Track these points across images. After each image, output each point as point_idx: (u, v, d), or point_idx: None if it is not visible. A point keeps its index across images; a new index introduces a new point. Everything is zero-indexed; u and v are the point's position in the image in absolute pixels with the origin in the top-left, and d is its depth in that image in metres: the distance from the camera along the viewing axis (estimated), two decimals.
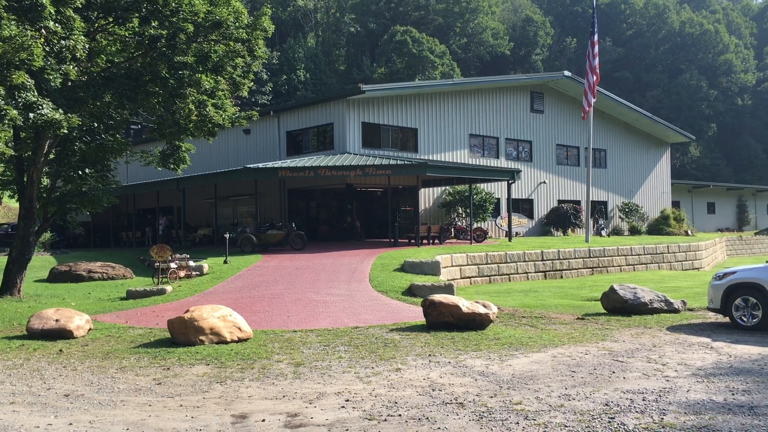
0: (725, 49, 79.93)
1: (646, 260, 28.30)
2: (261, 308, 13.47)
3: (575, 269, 25.27)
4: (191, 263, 18.86)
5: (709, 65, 78.90)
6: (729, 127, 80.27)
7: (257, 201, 26.24)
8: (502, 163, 34.71)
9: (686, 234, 40.39)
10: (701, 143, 74.55)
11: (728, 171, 76.07)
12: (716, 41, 79.63)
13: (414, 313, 12.74)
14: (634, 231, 39.99)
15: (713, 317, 12.65)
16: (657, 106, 71.26)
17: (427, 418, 6.07)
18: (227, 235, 21.49)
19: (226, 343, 10.03)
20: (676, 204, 46.62)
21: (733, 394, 6.87)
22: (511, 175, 28.49)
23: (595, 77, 30.03)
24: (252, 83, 19.68)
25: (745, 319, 11.46)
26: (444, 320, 11.18)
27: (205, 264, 19.37)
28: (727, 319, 11.95)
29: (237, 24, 16.45)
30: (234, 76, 17.54)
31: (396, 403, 6.65)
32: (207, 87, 16.97)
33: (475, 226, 29.87)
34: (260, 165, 25.24)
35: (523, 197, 36.07)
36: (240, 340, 10.19)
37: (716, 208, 53.74)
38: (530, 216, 36.44)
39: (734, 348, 9.59)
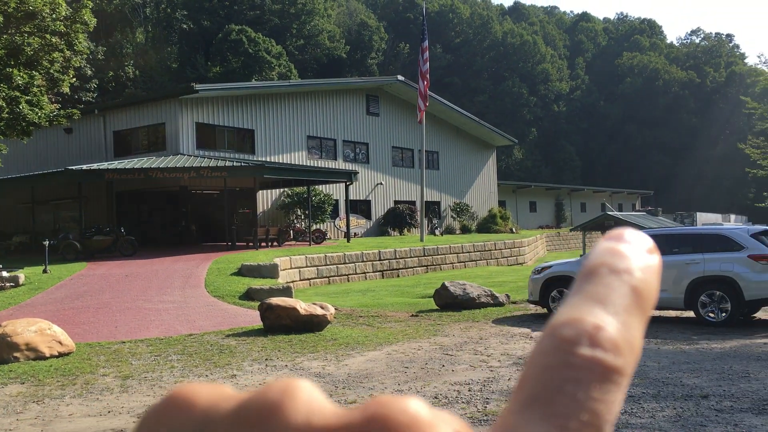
0: (542, 59, 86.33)
1: (476, 257, 29.89)
2: (85, 319, 12.64)
3: (411, 268, 26.14)
4: (4, 273, 17.29)
5: (529, 74, 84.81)
6: (547, 132, 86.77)
7: (81, 205, 24.57)
8: (340, 164, 35.12)
9: (511, 231, 43.14)
10: (524, 146, 79.96)
11: (547, 172, 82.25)
12: (535, 51, 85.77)
13: (251, 318, 12.56)
14: (465, 230, 42.06)
15: (534, 309, 13.63)
16: (484, 110, 75.48)
17: None
18: (47, 242, 19.91)
19: (45, 358, 9.31)
20: (502, 203, 49.58)
21: None
22: (349, 177, 28.91)
23: (426, 82, 31.21)
24: (74, 79, 18.45)
25: None
26: (282, 323, 11.12)
27: (21, 274, 17.82)
28: (545, 310, 12.93)
29: (54, 16, 15.34)
30: (51, 71, 16.34)
31: None
32: (20, 82, 15.65)
33: (314, 227, 29.97)
34: (84, 167, 23.66)
35: (361, 198, 36.73)
36: (61, 355, 9.50)
37: (537, 206, 57.85)
38: (368, 217, 37.19)
39: None
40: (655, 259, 0.36)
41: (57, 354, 9.46)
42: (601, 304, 0.32)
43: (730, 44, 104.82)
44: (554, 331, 0.32)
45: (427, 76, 31.23)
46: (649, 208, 64.27)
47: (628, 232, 0.37)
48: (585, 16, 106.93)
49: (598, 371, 0.30)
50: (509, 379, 7.49)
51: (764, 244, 11.53)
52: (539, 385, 0.30)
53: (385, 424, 0.28)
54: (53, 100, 18.34)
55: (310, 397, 0.30)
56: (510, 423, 0.30)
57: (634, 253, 0.35)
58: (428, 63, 31.49)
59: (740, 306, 11.36)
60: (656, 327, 11.53)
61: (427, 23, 33.74)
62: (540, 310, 13.31)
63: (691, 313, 12.01)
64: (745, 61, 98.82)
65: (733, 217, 62.61)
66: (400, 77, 38.96)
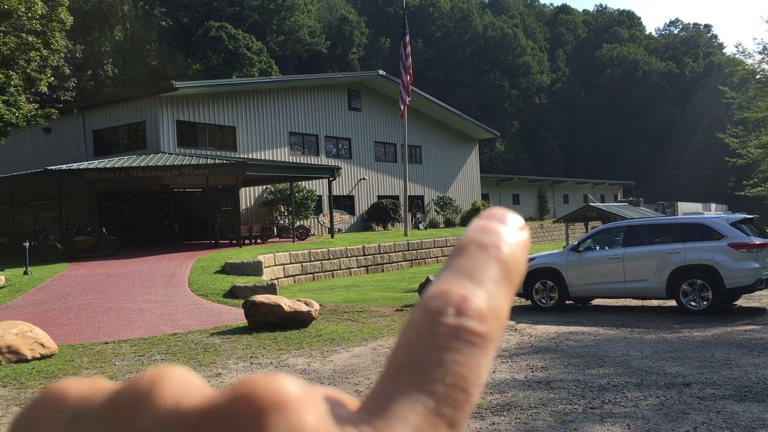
0: (523, 51, 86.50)
1: None
2: (68, 321, 12.53)
3: (396, 262, 26.15)
4: None
5: (510, 66, 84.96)
6: (529, 124, 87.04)
7: (62, 205, 24.33)
8: (323, 160, 35.03)
9: None
10: (506, 139, 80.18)
11: (530, 165, 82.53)
12: (515, 44, 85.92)
13: (236, 316, 12.52)
14: (449, 223, 42.14)
15: (518, 301, 13.69)
16: (466, 104, 75.56)
17: None
18: (27, 244, 19.70)
19: (27, 361, 9.23)
20: (485, 196, 49.73)
21: (532, 372, 7.48)
22: (332, 173, 28.85)
23: (408, 77, 31.12)
24: (51, 78, 18.25)
25: (544, 301, 12.53)
26: (266, 320, 11.09)
27: (2, 276, 17.63)
28: (529, 302, 13.00)
29: (30, 14, 15.13)
30: (28, 70, 16.15)
31: None
32: None
33: (297, 224, 29.89)
34: (64, 167, 23.42)
35: (345, 194, 36.68)
36: (43, 357, 9.42)
37: (520, 199, 58.06)
38: (351, 212, 37.15)
39: (535, 329, 10.45)
40: (523, 235, 0.37)
41: (39, 356, 9.38)
42: (468, 277, 0.34)
43: (708, 34, 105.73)
44: (424, 304, 0.33)
45: (410, 70, 31.16)
46: (631, 198, 64.75)
47: (499, 211, 0.39)
48: (565, 9, 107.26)
49: (463, 337, 0.32)
50: (494, 372, 7.52)
51: (744, 232, 11.65)
52: (408, 355, 0.31)
53: (250, 402, 0.28)
54: (31, 99, 18.13)
55: (180, 382, 0.30)
56: (381, 391, 0.31)
57: (503, 229, 0.37)
58: (410, 58, 31.42)
59: (721, 294, 11.48)
60: (639, 316, 11.63)
61: (408, 17, 33.67)
62: (524, 302, 13.37)
63: (673, 302, 12.12)
64: (723, 51, 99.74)
65: (713, 206, 63.24)
66: (381, 72, 38.89)
